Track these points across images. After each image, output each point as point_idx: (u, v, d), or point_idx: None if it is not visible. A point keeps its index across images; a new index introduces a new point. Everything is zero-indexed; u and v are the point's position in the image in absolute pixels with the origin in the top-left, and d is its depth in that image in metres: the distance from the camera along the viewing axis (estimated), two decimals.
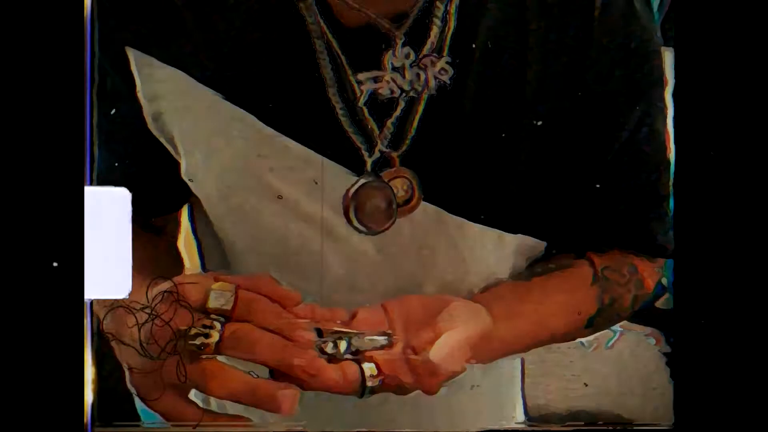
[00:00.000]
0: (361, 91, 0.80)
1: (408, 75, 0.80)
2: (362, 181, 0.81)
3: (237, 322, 0.74)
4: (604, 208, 0.85)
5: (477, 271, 0.84)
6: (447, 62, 0.80)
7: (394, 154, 0.81)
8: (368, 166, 0.82)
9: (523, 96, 0.82)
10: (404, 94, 0.81)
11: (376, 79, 0.80)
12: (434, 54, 0.81)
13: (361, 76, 0.81)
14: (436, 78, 0.80)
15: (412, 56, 0.80)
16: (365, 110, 0.81)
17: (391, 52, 0.80)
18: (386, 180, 0.81)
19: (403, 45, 0.80)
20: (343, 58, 0.81)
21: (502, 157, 0.82)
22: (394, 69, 0.80)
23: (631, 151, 0.84)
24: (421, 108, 0.81)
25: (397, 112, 0.81)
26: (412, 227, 0.82)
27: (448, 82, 0.81)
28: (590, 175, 0.84)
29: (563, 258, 0.86)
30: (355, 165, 0.82)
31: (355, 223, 0.81)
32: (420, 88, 0.80)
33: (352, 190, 0.81)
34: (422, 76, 0.80)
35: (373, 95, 0.81)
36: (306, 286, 0.81)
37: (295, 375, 0.73)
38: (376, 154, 0.81)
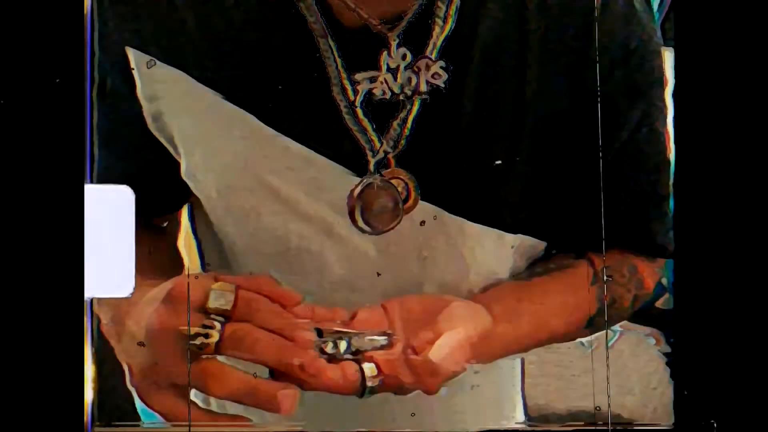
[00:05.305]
0: (358, 91, 0.80)
1: (400, 78, 0.80)
2: (367, 180, 0.81)
3: (237, 322, 0.74)
4: (604, 208, 0.85)
5: (477, 271, 0.84)
6: (441, 66, 0.80)
7: (390, 155, 0.81)
8: (371, 166, 0.82)
9: (523, 96, 0.82)
10: (395, 97, 0.81)
11: (372, 80, 0.80)
12: (430, 57, 0.81)
13: (358, 76, 0.81)
14: (428, 82, 0.80)
15: (409, 57, 0.80)
16: (359, 111, 0.81)
17: (386, 52, 0.80)
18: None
19: (398, 46, 0.80)
20: (339, 60, 0.81)
21: (502, 157, 0.82)
22: (389, 70, 0.80)
23: (631, 151, 0.84)
24: (414, 109, 0.81)
25: (402, 113, 0.81)
26: (412, 227, 0.82)
27: (443, 86, 0.81)
28: (590, 175, 0.84)
29: (563, 258, 0.86)
30: (356, 165, 0.82)
31: (361, 223, 0.81)
32: (410, 92, 0.80)
33: (358, 191, 0.81)
34: (414, 80, 0.80)
35: (368, 95, 0.81)
36: (306, 286, 0.81)
37: (295, 375, 0.73)
38: (380, 154, 0.81)
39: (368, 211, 0.81)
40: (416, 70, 0.80)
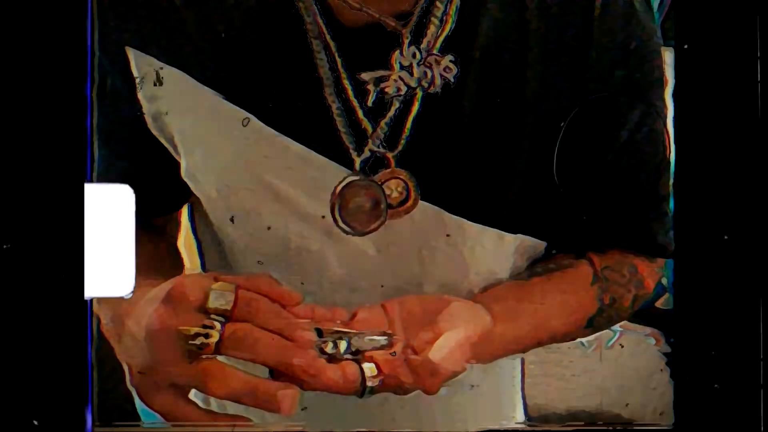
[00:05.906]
0: (368, 91, 0.80)
1: (416, 72, 0.80)
2: (348, 179, 0.81)
3: (237, 322, 0.74)
4: (604, 208, 0.85)
5: (477, 271, 0.84)
6: (451, 60, 0.81)
7: (389, 155, 0.81)
8: (356, 165, 0.81)
9: (523, 96, 0.82)
10: (411, 92, 0.81)
11: (381, 78, 0.80)
12: (437, 53, 0.81)
13: (365, 76, 0.81)
14: (441, 76, 0.81)
15: (419, 55, 0.80)
16: (360, 111, 0.81)
17: (398, 51, 0.80)
18: (381, 181, 0.81)
19: (410, 44, 0.80)
20: (339, 60, 0.81)
21: (502, 156, 0.82)
22: (402, 68, 0.80)
23: (631, 151, 0.84)
24: (415, 108, 0.81)
25: (391, 113, 0.81)
26: (412, 227, 0.82)
27: (453, 80, 0.81)
28: (590, 175, 0.84)
29: (563, 258, 0.86)
30: (347, 165, 0.82)
31: (340, 222, 0.81)
32: (427, 85, 0.80)
33: (339, 188, 0.81)
34: (429, 74, 0.80)
35: (380, 94, 0.81)
36: (306, 286, 0.81)
37: (295, 375, 0.73)
38: (366, 154, 0.81)
39: (344, 209, 0.81)
40: (428, 65, 0.80)
